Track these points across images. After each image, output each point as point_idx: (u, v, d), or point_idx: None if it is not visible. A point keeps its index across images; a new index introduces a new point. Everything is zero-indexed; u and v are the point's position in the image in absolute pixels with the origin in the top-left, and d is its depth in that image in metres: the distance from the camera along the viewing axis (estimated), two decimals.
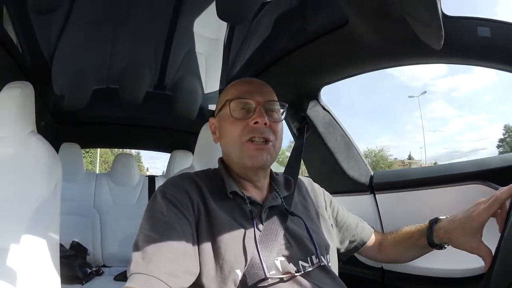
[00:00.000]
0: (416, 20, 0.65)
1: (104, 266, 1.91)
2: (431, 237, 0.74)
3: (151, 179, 2.17)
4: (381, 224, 1.01)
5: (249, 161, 0.71)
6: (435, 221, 0.75)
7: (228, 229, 0.65)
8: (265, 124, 0.70)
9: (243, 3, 1.01)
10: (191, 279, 0.60)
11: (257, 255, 0.62)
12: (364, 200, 1.05)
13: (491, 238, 0.64)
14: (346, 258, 0.87)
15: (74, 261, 1.61)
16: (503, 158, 0.87)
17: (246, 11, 1.04)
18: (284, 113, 0.78)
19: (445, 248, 0.75)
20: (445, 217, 0.75)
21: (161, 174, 2.48)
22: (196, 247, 0.63)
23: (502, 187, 0.66)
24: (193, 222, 0.65)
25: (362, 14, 0.76)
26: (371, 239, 0.87)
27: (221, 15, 1.03)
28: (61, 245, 1.56)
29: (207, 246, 0.63)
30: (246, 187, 0.75)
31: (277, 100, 0.77)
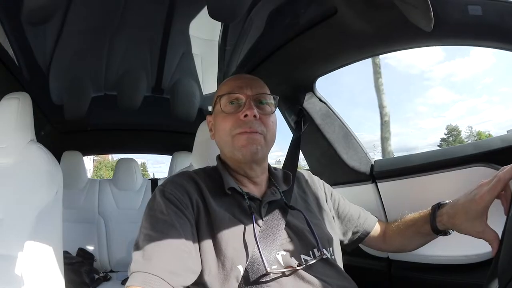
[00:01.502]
0: (404, 3, 0.64)
1: (111, 271, 1.92)
2: (435, 223, 0.72)
3: (154, 182, 2.18)
4: (385, 213, 1.00)
5: (239, 152, 0.70)
6: (437, 206, 0.74)
7: (228, 226, 0.64)
8: (255, 116, 0.70)
9: (234, 1, 1.01)
10: (193, 277, 0.60)
11: (258, 251, 0.61)
12: (366, 189, 1.04)
13: (497, 220, 0.62)
14: (350, 249, 0.86)
15: (81, 267, 1.62)
16: (504, 138, 0.85)
17: (238, 9, 1.04)
18: (276, 105, 0.77)
19: (450, 233, 0.73)
20: (448, 201, 0.73)
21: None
22: (197, 244, 0.63)
23: (504, 167, 0.64)
24: (192, 220, 0.65)
25: (351, 2, 0.76)
26: (375, 229, 0.85)
27: (213, 14, 1.03)
28: (67, 253, 1.58)
29: (207, 244, 0.63)
30: (244, 183, 0.74)
31: (267, 93, 0.76)
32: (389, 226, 0.86)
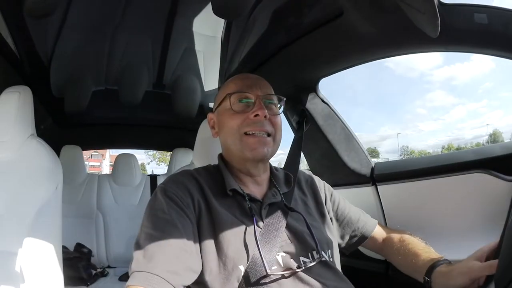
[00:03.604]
0: (412, 8, 0.64)
1: (109, 267, 1.92)
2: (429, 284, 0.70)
3: (153, 178, 2.17)
4: (384, 215, 1.01)
5: (250, 153, 0.71)
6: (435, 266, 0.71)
7: (230, 226, 0.65)
8: (265, 116, 0.71)
9: None
10: (193, 277, 0.60)
11: (258, 252, 0.62)
12: (366, 192, 1.04)
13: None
14: (349, 252, 0.87)
15: (78, 262, 1.62)
16: (504, 146, 0.86)
17: (242, 7, 1.03)
18: (282, 106, 0.78)
19: None
20: (443, 262, 0.71)
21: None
22: (198, 244, 0.63)
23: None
24: (194, 220, 0.65)
25: (357, 5, 0.75)
26: (375, 233, 0.85)
27: (217, 11, 1.03)
28: (65, 248, 1.58)
29: (209, 243, 0.63)
30: (246, 182, 0.75)
31: (274, 93, 0.77)
32: (390, 240, 0.84)
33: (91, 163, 24.02)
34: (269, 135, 0.72)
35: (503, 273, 0.51)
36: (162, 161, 23.31)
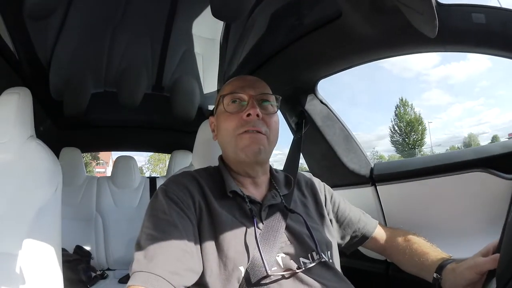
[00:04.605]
0: (410, 9, 0.64)
1: (108, 269, 1.91)
2: (439, 281, 0.69)
3: (152, 180, 2.17)
4: (384, 216, 1.01)
5: (242, 152, 0.70)
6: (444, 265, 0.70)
7: (230, 227, 0.65)
8: (258, 115, 0.70)
9: (238, 1, 1.01)
10: (194, 278, 0.60)
11: (258, 253, 0.62)
12: (365, 192, 1.04)
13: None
14: (349, 252, 0.87)
15: (78, 265, 1.62)
16: (504, 144, 0.87)
17: (241, 9, 1.04)
18: (278, 105, 0.77)
19: None
20: (451, 261, 0.70)
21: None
22: (199, 245, 0.63)
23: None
24: (194, 220, 0.65)
25: (355, 6, 0.76)
26: (375, 234, 0.85)
27: (216, 13, 1.03)
28: (64, 250, 1.58)
29: (209, 244, 0.63)
30: (246, 184, 0.75)
31: (270, 93, 0.77)
32: (394, 240, 0.83)
33: (97, 170, 24.61)
34: (262, 133, 0.71)
35: (504, 270, 0.51)
36: (153, 172, 23.82)
